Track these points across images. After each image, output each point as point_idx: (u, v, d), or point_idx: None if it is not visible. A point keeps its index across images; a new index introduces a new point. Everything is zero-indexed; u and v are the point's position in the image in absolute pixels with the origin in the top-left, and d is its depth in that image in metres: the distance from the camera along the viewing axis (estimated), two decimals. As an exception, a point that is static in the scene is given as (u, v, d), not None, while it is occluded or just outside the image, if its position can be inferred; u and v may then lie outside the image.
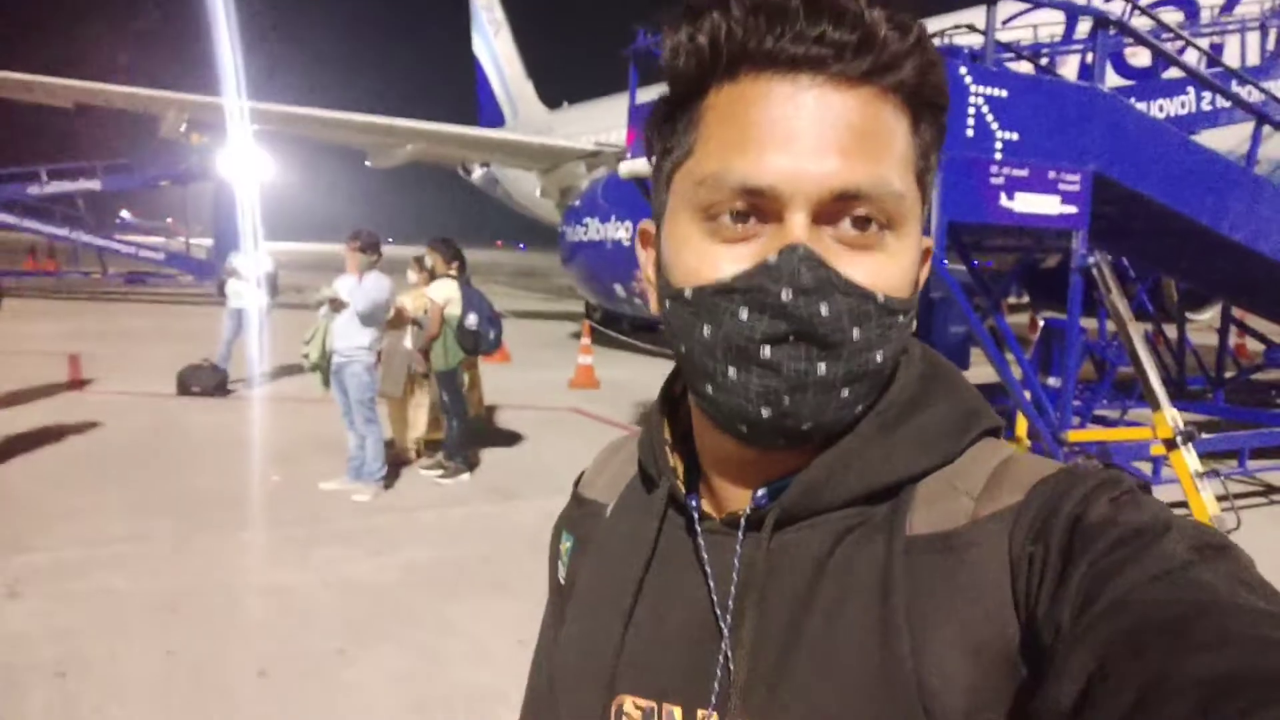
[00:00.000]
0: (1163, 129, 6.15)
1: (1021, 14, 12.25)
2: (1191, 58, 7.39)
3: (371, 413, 6.71)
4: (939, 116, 0.65)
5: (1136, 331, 5.43)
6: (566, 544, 0.85)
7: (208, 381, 10.13)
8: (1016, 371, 5.96)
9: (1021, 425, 5.94)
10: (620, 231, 14.15)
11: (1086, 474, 0.61)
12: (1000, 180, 5.25)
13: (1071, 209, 5.45)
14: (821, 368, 0.61)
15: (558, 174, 18.94)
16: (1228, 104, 7.69)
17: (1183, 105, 8.10)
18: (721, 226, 0.62)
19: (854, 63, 0.59)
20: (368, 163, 22.43)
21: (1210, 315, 15.94)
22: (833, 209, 0.60)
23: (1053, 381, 6.38)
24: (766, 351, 0.61)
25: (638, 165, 7.45)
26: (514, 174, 26.41)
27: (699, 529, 0.72)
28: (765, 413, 0.62)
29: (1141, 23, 7.26)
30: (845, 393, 0.62)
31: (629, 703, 0.71)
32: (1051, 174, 5.38)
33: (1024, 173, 5.29)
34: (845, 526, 0.65)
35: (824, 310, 0.60)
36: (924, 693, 0.58)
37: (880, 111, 0.60)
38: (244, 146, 17.26)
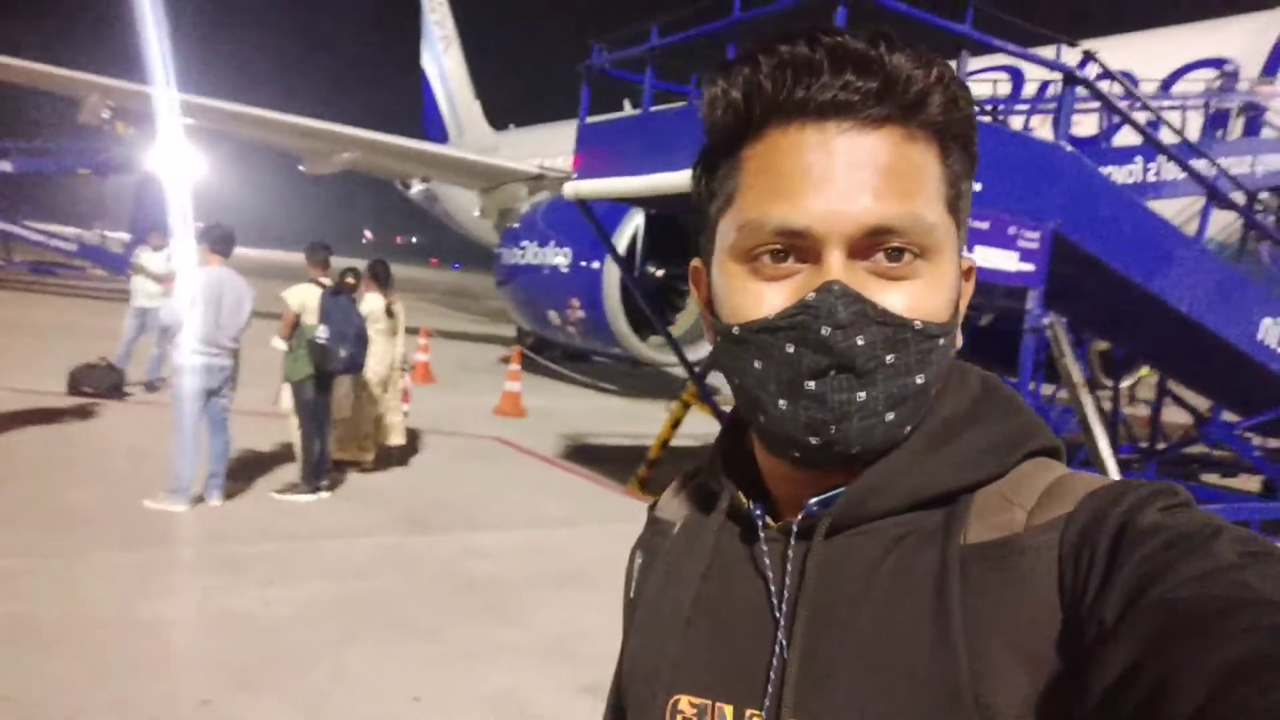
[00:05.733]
0: (1124, 194, 6.08)
1: (984, 70, 12.40)
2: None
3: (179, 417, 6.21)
4: (968, 146, 0.68)
5: (1088, 397, 5.26)
6: (638, 561, 0.88)
7: (102, 382, 9.33)
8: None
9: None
10: (558, 258, 13.77)
11: (1140, 484, 0.61)
12: (962, 231, 5.05)
13: (1029, 266, 5.29)
14: (861, 395, 0.64)
15: (499, 194, 18.45)
16: (1173, 176, 7.72)
17: (1130, 174, 8.11)
18: (762, 266, 0.66)
19: (879, 106, 0.63)
20: (302, 168, 21.62)
21: (1129, 383, 16.31)
22: (866, 244, 0.64)
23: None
24: (811, 385, 0.64)
25: (583, 187, 7.12)
26: (454, 192, 25.80)
27: (761, 535, 0.73)
28: (814, 440, 0.65)
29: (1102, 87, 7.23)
30: (890, 416, 0.65)
31: (685, 701, 0.73)
32: (1012, 229, 5.20)
33: (985, 225, 5.10)
34: (897, 534, 0.67)
35: (860, 341, 0.63)
36: (979, 699, 0.58)
37: (908, 149, 0.64)
38: (174, 141, 16.26)
